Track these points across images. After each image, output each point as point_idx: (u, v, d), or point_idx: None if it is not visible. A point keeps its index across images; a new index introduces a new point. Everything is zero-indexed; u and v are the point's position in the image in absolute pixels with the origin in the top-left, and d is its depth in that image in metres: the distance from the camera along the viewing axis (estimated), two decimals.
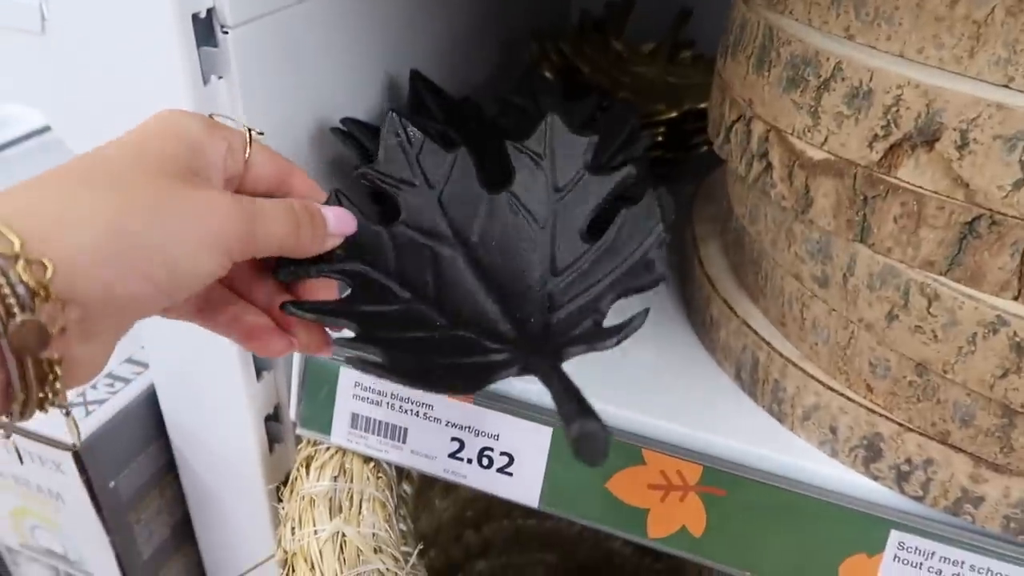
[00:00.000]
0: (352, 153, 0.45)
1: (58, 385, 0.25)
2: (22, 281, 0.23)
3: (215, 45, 0.37)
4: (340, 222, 0.34)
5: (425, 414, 0.42)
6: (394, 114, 0.39)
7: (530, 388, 0.41)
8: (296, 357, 0.45)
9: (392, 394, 0.42)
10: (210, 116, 0.32)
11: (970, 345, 0.31)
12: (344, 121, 0.46)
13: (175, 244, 0.26)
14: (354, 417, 0.43)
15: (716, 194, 0.51)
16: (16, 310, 0.23)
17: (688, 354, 0.45)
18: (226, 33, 0.37)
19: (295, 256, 0.33)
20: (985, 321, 0.30)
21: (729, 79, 0.41)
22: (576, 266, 0.36)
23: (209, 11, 0.36)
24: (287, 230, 0.31)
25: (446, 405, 0.41)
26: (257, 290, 0.34)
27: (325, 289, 0.35)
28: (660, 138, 0.59)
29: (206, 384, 0.47)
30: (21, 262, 0.23)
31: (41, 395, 0.25)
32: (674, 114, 0.58)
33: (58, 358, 0.24)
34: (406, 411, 0.42)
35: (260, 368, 0.47)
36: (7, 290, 0.22)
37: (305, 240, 0.32)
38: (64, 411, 0.27)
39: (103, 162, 0.27)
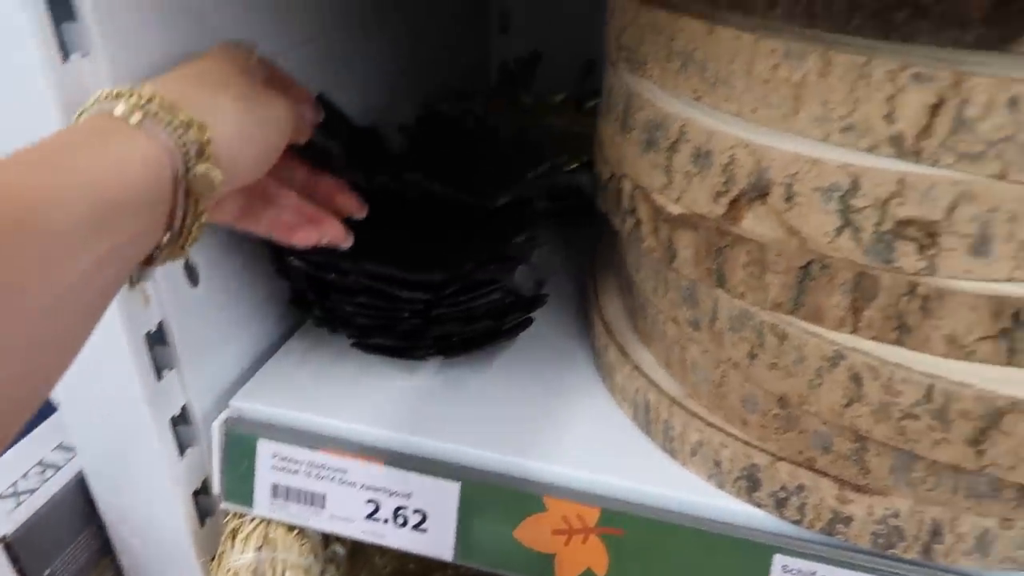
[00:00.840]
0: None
1: (194, 233, 0.31)
2: (195, 140, 0.30)
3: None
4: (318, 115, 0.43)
5: (341, 479, 0.43)
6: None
7: (437, 445, 0.43)
8: (215, 433, 0.46)
9: (309, 462, 0.44)
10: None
11: (817, 378, 0.34)
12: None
13: (268, 132, 0.35)
14: (274, 487, 0.45)
15: (615, 244, 0.53)
16: (192, 162, 0.30)
17: (592, 399, 0.47)
18: None
19: (296, 143, 0.41)
20: (827, 355, 0.33)
21: (602, 139, 0.44)
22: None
23: None
24: (304, 122, 0.41)
25: (360, 469, 0.43)
26: (283, 198, 0.41)
27: (340, 193, 0.45)
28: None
29: (131, 464, 0.48)
30: (194, 128, 0.30)
31: (183, 243, 0.31)
32: (575, 165, 0.61)
33: (203, 211, 0.31)
34: (323, 477, 0.44)
35: (184, 444, 0.48)
36: (187, 146, 0.29)
37: (308, 130, 0.42)
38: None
39: (209, 71, 0.34)
